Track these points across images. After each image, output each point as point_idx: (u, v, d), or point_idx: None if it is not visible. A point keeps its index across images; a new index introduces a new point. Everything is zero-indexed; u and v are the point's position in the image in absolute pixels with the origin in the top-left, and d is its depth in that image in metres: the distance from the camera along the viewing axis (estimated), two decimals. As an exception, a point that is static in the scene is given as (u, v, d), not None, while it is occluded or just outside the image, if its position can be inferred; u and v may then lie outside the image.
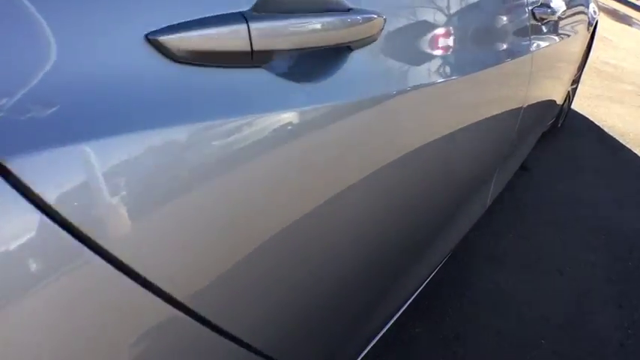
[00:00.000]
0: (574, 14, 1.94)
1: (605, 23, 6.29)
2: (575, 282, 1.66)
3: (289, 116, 0.51)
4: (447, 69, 0.85)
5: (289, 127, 0.51)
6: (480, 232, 1.83)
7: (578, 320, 1.51)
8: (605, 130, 3.10)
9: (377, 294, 0.93)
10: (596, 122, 3.21)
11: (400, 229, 0.89)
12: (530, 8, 1.25)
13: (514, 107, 1.27)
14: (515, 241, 1.84)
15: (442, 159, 0.93)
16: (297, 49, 0.53)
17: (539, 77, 1.45)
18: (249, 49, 0.45)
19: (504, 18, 1.12)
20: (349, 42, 0.60)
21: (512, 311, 1.50)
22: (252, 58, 0.46)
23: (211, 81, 0.44)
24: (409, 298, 1.14)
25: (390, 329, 1.07)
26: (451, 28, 0.89)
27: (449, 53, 0.87)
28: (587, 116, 3.29)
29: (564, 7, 1.57)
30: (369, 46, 0.64)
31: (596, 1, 2.68)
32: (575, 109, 3.31)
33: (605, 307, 1.57)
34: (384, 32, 0.66)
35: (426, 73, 0.78)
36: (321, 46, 0.56)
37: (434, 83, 0.80)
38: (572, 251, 1.83)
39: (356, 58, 0.62)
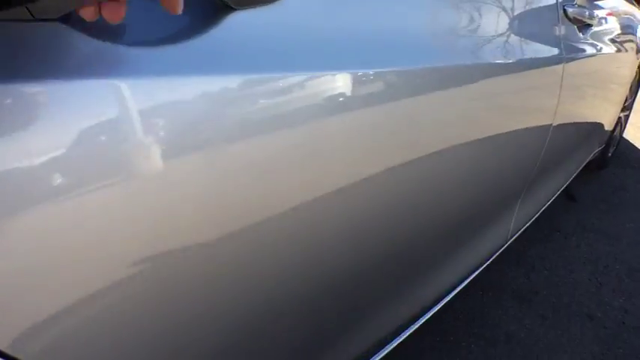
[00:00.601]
0: (620, 32, 1.73)
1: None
2: (604, 329, 1.46)
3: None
4: (418, 62, 0.65)
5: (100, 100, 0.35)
6: (512, 264, 1.69)
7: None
8: (657, 163, 2.85)
9: (371, 316, 0.81)
10: (649, 154, 2.97)
11: (392, 243, 0.76)
12: (561, 3, 1.06)
13: (539, 123, 1.09)
14: (548, 279, 1.68)
15: (430, 175, 0.77)
16: None
17: (575, 91, 1.26)
18: None
19: (520, 8, 0.93)
20: None
21: (531, 359, 1.32)
22: (25, 8, 0.29)
23: None
24: (409, 328, 0.99)
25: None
26: (432, 6, 0.70)
27: (427, 40, 0.67)
28: (639, 147, 3.08)
29: (608, 17, 1.38)
30: (266, 8, 0.44)
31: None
32: (627, 139, 3.09)
33: (633, 361, 1.37)
34: None
35: (380, 60, 0.59)
36: None
37: (383, 71, 0.59)
38: (606, 295, 1.63)
39: (239, 23, 0.42)
